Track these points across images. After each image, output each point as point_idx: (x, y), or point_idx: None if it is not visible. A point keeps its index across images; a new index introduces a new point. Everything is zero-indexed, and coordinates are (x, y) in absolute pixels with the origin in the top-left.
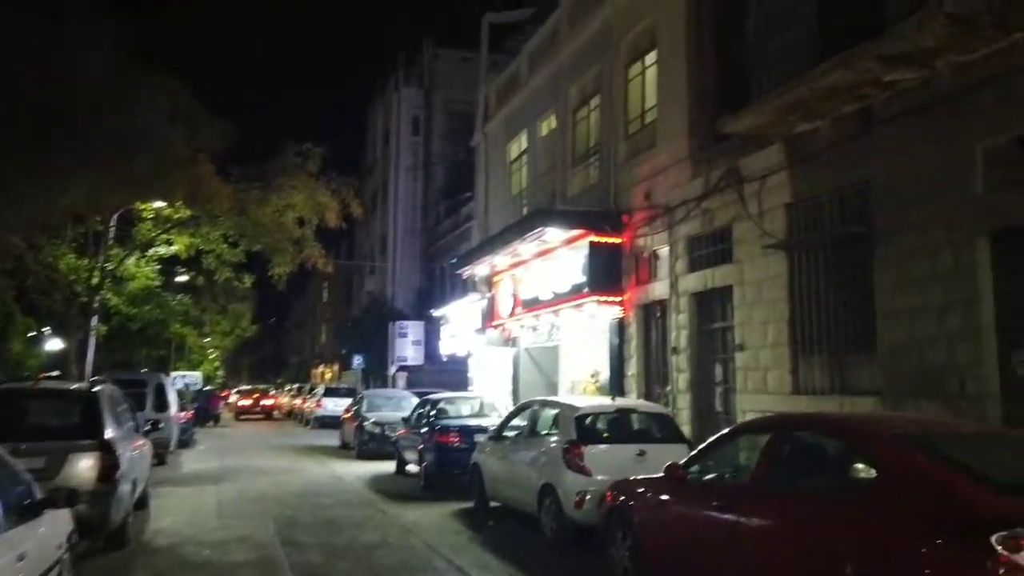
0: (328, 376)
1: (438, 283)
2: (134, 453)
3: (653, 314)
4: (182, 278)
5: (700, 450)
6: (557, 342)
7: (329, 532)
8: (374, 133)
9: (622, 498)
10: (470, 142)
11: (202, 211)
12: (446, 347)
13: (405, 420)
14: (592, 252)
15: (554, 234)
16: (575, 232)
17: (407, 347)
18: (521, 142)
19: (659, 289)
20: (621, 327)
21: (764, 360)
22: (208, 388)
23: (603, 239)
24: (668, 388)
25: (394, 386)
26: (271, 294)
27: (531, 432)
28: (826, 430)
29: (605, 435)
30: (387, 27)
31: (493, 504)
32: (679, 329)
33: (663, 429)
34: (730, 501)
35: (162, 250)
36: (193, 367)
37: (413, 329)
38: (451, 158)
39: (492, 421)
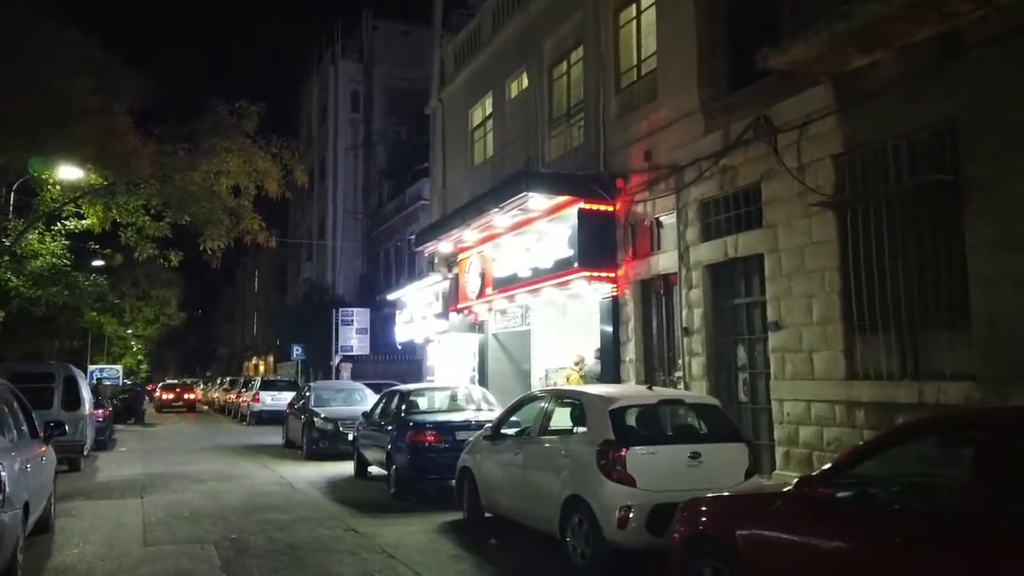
0: (262, 369)
1: (383, 268)
2: (27, 467)
3: (655, 291)
4: (98, 263)
5: (842, 460)
6: (529, 326)
7: (292, 564)
8: (309, 108)
9: (708, 521)
10: (414, 118)
11: (118, 175)
12: (401, 334)
13: (365, 415)
14: (582, 221)
15: (537, 201)
16: (561, 199)
17: (351, 336)
18: (485, 106)
19: (663, 262)
20: (615, 307)
21: (808, 340)
22: (133, 383)
23: (594, 206)
24: (677, 375)
25: (338, 378)
26: (198, 283)
27: (543, 430)
28: None
29: (648, 434)
30: None
31: (487, 516)
32: (691, 307)
33: (716, 425)
34: (925, 535)
35: (71, 223)
36: (114, 360)
37: (358, 317)
38: (394, 137)
39: (475, 415)
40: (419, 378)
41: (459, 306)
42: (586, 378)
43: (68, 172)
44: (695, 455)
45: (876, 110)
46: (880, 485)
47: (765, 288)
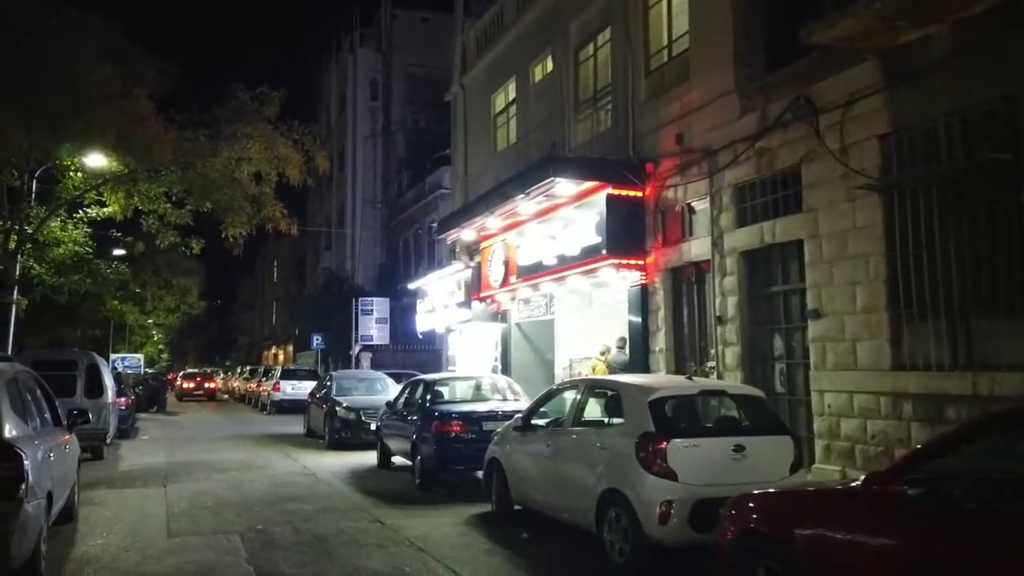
0: (281, 358)
1: (402, 258)
2: (51, 455)
3: (686, 278)
4: (119, 251)
5: (913, 455)
6: (553, 315)
7: (319, 556)
8: (327, 98)
9: (762, 518)
10: (434, 106)
11: (139, 161)
12: (423, 323)
13: (389, 405)
14: (610, 207)
15: (564, 187)
16: (588, 185)
17: (371, 325)
18: (508, 91)
19: (695, 248)
20: (644, 295)
21: (851, 329)
22: (156, 372)
23: (623, 192)
24: (710, 365)
25: (357, 367)
26: (218, 273)
27: (576, 420)
28: None
29: (690, 426)
30: None
31: (517, 508)
32: (725, 295)
33: (759, 416)
34: (1010, 536)
35: (93, 211)
36: (135, 349)
37: (378, 306)
38: (413, 125)
39: (501, 405)
40: (439, 368)
41: (482, 294)
42: (610, 367)
43: (93, 160)
44: (739, 448)
45: (926, 87)
46: (957, 482)
47: (804, 275)
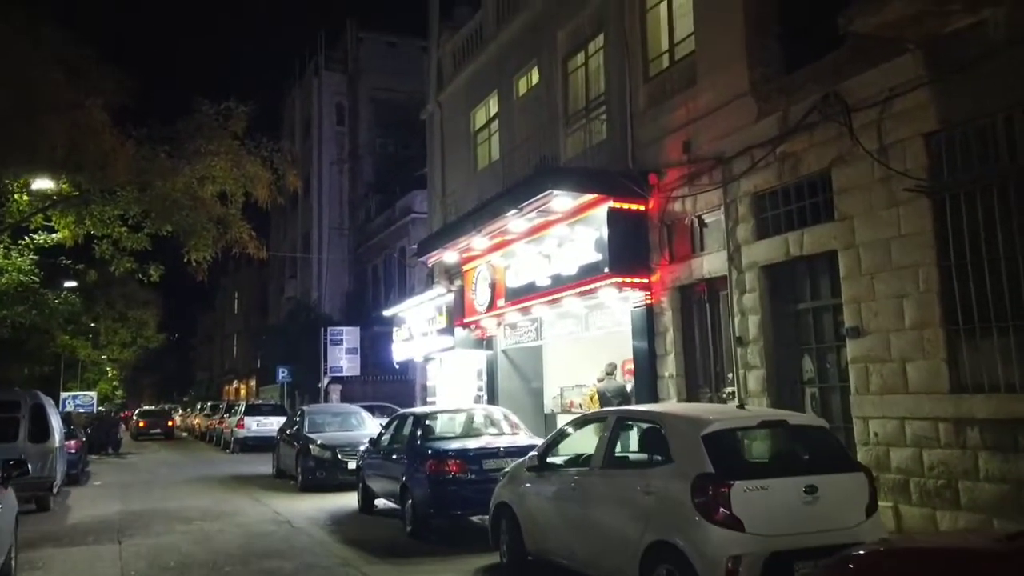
0: (243, 392)
1: (371, 285)
2: None
3: (697, 297)
4: (70, 284)
5: None
6: (541, 341)
7: None
8: (291, 123)
9: None
10: (402, 130)
11: (92, 179)
12: (400, 352)
13: (372, 442)
14: (612, 222)
15: (561, 201)
16: (586, 198)
17: (341, 356)
18: (490, 107)
19: (708, 264)
20: (649, 317)
21: (900, 347)
22: (108, 410)
23: (625, 205)
24: (728, 391)
25: (327, 400)
26: (176, 306)
27: (609, 460)
28: None
29: (753, 464)
30: (302, 4)
31: (530, 559)
32: (744, 313)
33: (826, 452)
34: None
35: (40, 237)
36: (88, 387)
37: (348, 336)
38: (381, 150)
39: (502, 440)
40: (412, 399)
41: (466, 320)
42: (602, 397)
43: (40, 182)
44: (811, 489)
45: (980, 79)
46: None
47: (839, 289)
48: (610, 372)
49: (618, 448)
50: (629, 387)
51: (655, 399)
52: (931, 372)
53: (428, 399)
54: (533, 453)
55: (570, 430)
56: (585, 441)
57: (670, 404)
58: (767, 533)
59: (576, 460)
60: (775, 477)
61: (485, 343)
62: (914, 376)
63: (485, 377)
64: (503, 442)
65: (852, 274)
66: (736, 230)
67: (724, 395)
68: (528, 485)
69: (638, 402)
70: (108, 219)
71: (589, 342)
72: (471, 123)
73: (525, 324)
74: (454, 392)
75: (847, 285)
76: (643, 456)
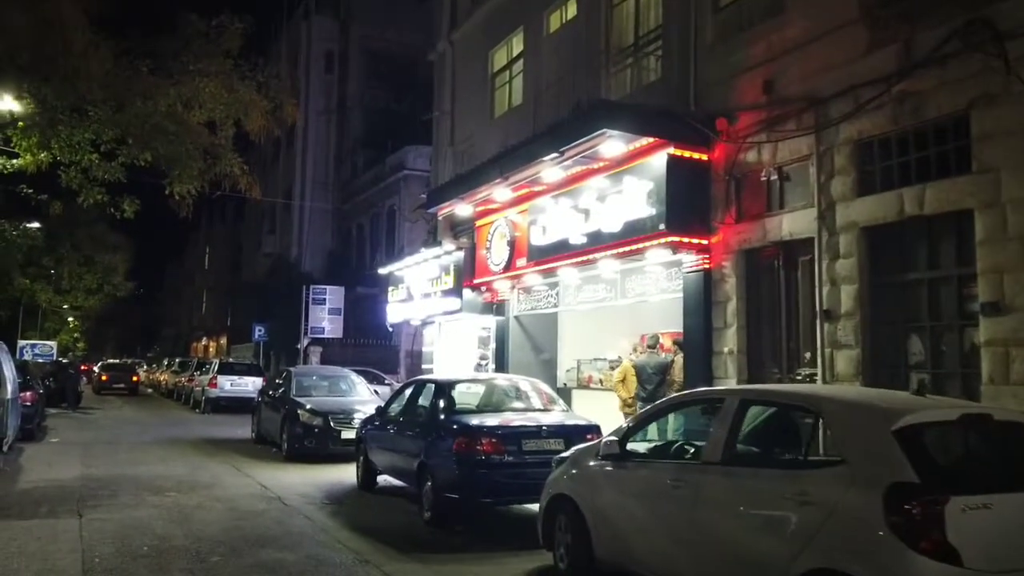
0: (212, 350)
1: (355, 244)
2: None
3: (766, 262)
4: (34, 224)
5: None
6: (557, 308)
7: None
8: (276, 66)
9: None
10: (395, 83)
11: (60, 92)
12: (395, 314)
13: (379, 411)
14: (671, 171)
15: (611, 145)
16: (642, 143)
17: (323, 316)
18: (513, 46)
19: (788, 224)
20: (707, 283)
21: None
22: (69, 359)
23: (686, 153)
24: (805, 372)
25: (306, 362)
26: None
27: (731, 454)
28: None
29: (968, 473)
30: None
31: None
32: (836, 283)
33: None
34: None
35: None
36: (47, 336)
37: (332, 295)
38: (371, 103)
39: (544, 417)
40: (396, 365)
41: (476, 281)
42: (639, 371)
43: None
44: None
45: None
46: None
47: (970, 257)
48: (652, 345)
49: (748, 438)
50: (678, 363)
51: (709, 378)
52: None
53: (423, 367)
54: (611, 437)
55: (662, 412)
56: (691, 425)
57: (816, 387)
58: (991, 569)
59: (670, 450)
60: (999, 492)
61: (496, 308)
62: None
63: (493, 344)
64: (546, 419)
65: (992, 238)
66: (830, 184)
67: (798, 377)
68: (602, 477)
69: (689, 384)
70: (78, 143)
71: (612, 312)
72: (489, 64)
73: (542, 289)
74: (454, 360)
75: (985, 251)
76: (789, 453)
